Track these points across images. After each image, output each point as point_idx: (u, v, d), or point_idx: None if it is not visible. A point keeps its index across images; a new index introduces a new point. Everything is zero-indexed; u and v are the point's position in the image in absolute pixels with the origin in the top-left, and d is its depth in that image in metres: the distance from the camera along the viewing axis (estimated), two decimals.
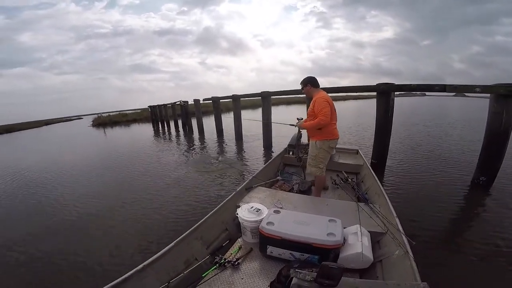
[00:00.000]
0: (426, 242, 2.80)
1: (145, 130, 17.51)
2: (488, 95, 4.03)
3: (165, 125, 17.30)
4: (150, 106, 21.91)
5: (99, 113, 27.21)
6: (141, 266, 1.61)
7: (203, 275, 1.83)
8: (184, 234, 1.97)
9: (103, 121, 24.10)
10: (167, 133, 14.29)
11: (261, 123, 7.68)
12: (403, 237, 1.88)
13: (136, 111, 31.18)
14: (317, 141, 2.81)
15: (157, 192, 4.82)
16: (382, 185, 2.92)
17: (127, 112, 29.95)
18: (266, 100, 7.53)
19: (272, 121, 7.42)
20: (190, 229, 2.04)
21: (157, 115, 19.50)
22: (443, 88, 4.27)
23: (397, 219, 2.13)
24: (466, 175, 4.67)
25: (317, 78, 2.83)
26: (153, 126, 18.38)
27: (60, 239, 3.37)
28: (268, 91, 7.42)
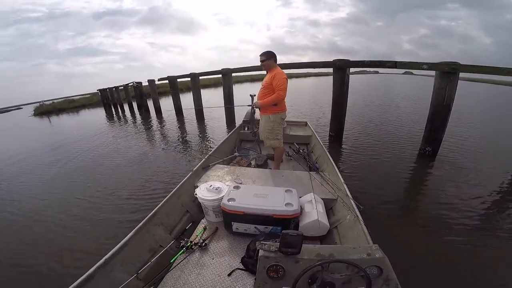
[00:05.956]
0: (375, 207, 2.98)
1: (97, 115, 15.95)
2: (433, 73, 4.33)
3: (119, 108, 16.03)
4: (100, 90, 20.03)
5: (41, 101, 23.90)
6: (103, 260, 1.48)
7: (171, 261, 1.77)
8: (142, 222, 1.83)
9: (47, 110, 21.16)
10: (121, 116, 13.22)
11: (223, 100, 7.56)
12: (352, 202, 1.95)
13: (85, 96, 28.16)
14: (270, 115, 2.87)
15: (112, 177, 4.49)
16: (330, 154, 3.05)
17: (75, 97, 26.88)
18: (226, 77, 7.29)
19: (227, 106, 7.48)
20: (148, 216, 1.90)
21: (108, 99, 17.92)
22: (394, 64, 4.47)
23: (345, 185, 2.23)
24: (415, 146, 5.07)
25: (278, 56, 2.83)
26: (106, 111, 16.89)
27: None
28: (228, 68, 7.16)
